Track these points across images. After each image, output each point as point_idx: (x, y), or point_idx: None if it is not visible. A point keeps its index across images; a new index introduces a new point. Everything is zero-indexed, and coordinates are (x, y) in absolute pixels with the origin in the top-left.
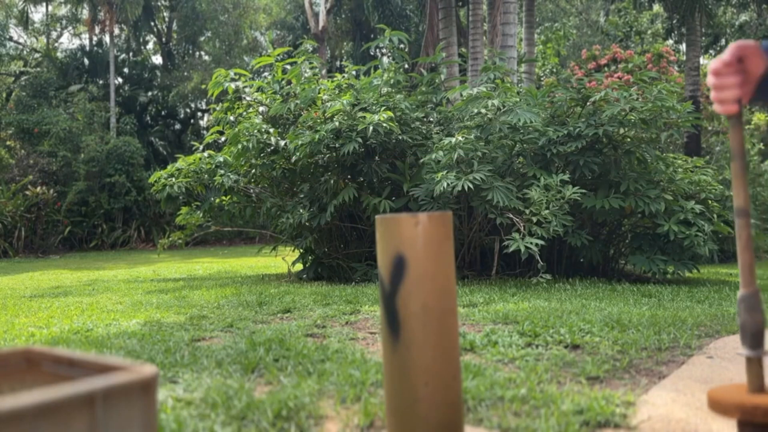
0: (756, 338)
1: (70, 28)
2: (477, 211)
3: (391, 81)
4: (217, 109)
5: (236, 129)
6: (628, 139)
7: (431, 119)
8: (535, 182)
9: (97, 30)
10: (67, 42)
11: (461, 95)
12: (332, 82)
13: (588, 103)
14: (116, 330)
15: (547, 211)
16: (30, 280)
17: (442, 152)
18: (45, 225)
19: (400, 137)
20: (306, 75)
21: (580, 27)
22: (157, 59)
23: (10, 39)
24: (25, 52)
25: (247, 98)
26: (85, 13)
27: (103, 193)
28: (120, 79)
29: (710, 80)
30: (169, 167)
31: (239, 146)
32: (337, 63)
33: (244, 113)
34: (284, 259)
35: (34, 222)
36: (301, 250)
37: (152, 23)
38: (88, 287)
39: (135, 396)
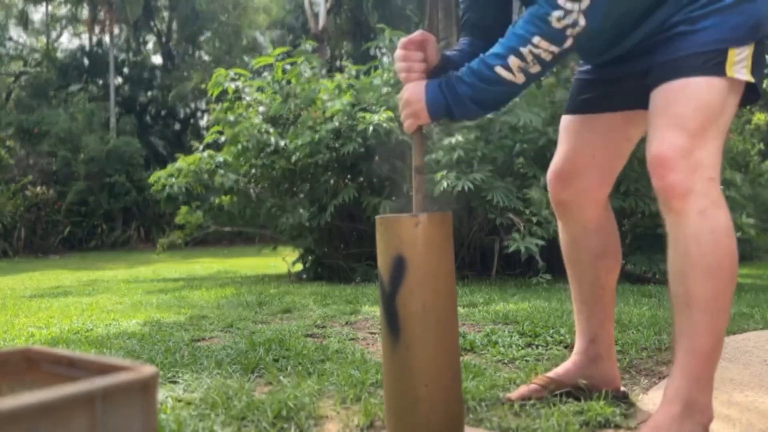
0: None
1: (70, 27)
2: (477, 211)
3: (391, 81)
4: (217, 109)
5: (236, 129)
6: None
7: None
8: (536, 182)
9: (96, 30)
10: (67, 42)
11: None
12: (332, 82)
13: None
14: (116, 330)
15: (547, 211)
16: (30, 280)
17: (442, 152)
18: (45, 225)
19: (401, 137)
20: (306, 75)
21: None
22: (157, 59)
23: (10, 39)
24: (24, 52)
25: (247, 98)
26: (85, 13)
27: (103, 193)
28: (120, 79)
29: (398, 54)
30: (168, 167)
31: (239, 146)
32: (337, 63)
33: (244, 113)
34: (284, 260)
35: (34, 222)
36: (301, 251)
37: (152, 23)
38: (87, 287)
39: (135, 396)
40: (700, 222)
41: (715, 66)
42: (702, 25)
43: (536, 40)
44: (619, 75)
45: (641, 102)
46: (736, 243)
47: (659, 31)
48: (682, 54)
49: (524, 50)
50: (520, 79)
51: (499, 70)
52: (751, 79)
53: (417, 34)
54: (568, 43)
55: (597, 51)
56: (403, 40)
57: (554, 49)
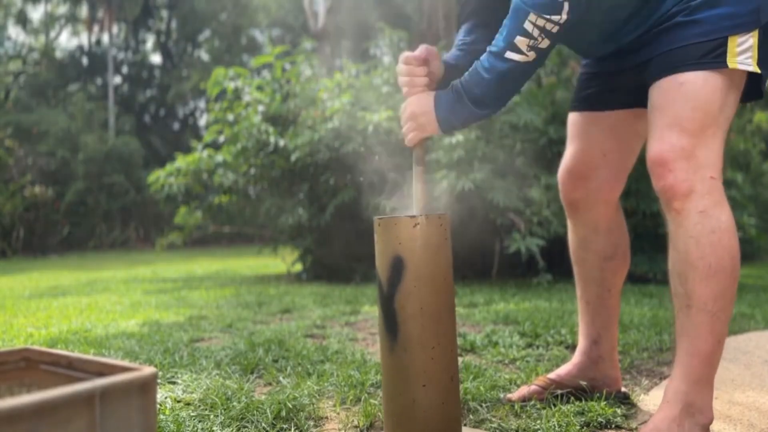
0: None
1: (68, 27)
2: (477, 211)
3: (392, 80)
4: (216, 108)
5: (235, 128)
6: None
7: None
8: (536, 182)
9: (95, 29)
10: (66, 41)
11: None
12: (332, 81)
13: None
14: (115, 330)
15: (548, 211)
16: (28, 280)
17: (443, 152)
18: (43, 225)
19: (401, 137)
20: (306, 74)
21: None
22: (156, 58)
23: (8, 38)
24: (23, 52)
25: (246, 97)
26: (83, 11)
27: (102, 193)
28: (119, 79)
29: (399, 68)
30: (167, 166)
31: (238, 146)
32: (337, 62)
33: (243, 112)
34: (284, 260)
35: (33, 222)
36: (301, 250)
37: (151, 22)
38: (86, 287)
39: (134, 396)
40: (700, 222)
41: (714, 58)
42: (700, 14)
43: (534, 14)
44: (618, 68)
45: (643, 99)
46: (738, 243)
47: (659, 23)
48: (679, 45)
49: (527, 26)
50: (531, 56)
51: (510, 54)
52: (757, 70)
53: (420, 50)
54: (566, 9)
55: (595, 45)
56: (404, 54)
57: (555, 18)
